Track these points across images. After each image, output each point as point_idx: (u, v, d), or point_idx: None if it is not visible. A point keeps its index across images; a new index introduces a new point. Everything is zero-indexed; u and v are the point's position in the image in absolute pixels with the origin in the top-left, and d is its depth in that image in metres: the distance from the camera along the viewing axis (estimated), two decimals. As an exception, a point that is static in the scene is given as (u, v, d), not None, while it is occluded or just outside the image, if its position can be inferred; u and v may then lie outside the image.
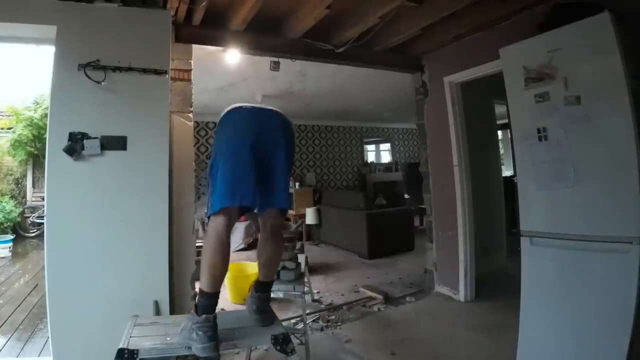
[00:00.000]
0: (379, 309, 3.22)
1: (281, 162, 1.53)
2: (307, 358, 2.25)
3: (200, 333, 1.32)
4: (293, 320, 2.97)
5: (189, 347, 1.35)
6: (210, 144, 6.85)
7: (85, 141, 1.98)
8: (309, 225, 6.21)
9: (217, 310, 1.42)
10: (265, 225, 1.62)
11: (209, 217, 1.45)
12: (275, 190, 1.52)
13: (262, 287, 1.61)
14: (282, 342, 1.44)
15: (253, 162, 1.45)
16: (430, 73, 3.56)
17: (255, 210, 1.63)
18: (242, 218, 4.32)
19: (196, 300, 1.45)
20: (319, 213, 6.07)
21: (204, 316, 1.34)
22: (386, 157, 9.81)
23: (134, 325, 1.56)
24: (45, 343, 2.53)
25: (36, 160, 6.72)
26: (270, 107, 1.63)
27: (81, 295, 1.96)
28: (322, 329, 2.84)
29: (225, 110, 1.60)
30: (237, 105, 1.60)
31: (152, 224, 2.08)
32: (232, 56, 3.27)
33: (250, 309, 1.61)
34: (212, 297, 1.39)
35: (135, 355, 1.31)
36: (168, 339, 1.44)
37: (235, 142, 1.47)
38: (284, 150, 1.54)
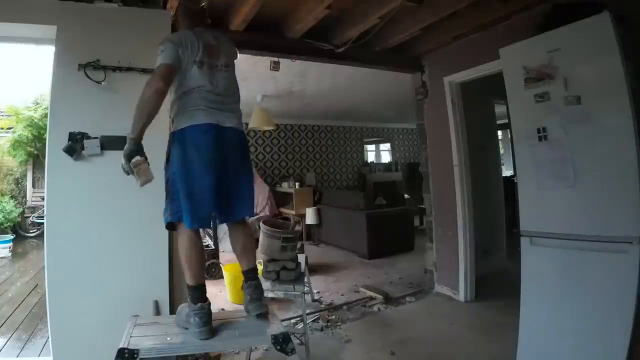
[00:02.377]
0: (379, 309, 3.22)
1: (245, 185, 1.66)
2: (307, 358, 2.25)
3: (196, 319, 1.48)
4: (293, 320, 2.96)
5: (187, 328, 1.52)
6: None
7: (85, 141, 1.99)
8: (309, 225, 6.21)
9: (217, 310, 1.45)
10: (233, 225, 1.72)
11: (167, 225, 1.61)
12: (237, 206, 1.63)
13: (248, 276, 1.68)
14: (282, 342, 1.45)
15: (214, 193, 1.53)
16: (430, 73, 3.56)
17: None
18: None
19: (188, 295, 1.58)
20: (319, 213, 6.07)
21: (199, 304, 1.50)
22: (386, 157, 9.80)
23: (134, 325, 1.57)
24: (45, 343, 2.53)
25: (36, 160, 6.70)
26: (232, 125, 1.61)
27: (81, 295, 1.96)
28: (322, 329, 2.83)
29: (186, 122, 1.53)
30: (197, 121, 1.52)
31: (152, 224, 2.06)
32: (232, 56, 3.27)
33: (245, 300, 1.67)
34: (197, 288, 1.55)
35: (135, 355, 1.32)
36: (168, 338, 1.45)
37: (199, 170, 1.52)
38: (247, 174, 1.68)
